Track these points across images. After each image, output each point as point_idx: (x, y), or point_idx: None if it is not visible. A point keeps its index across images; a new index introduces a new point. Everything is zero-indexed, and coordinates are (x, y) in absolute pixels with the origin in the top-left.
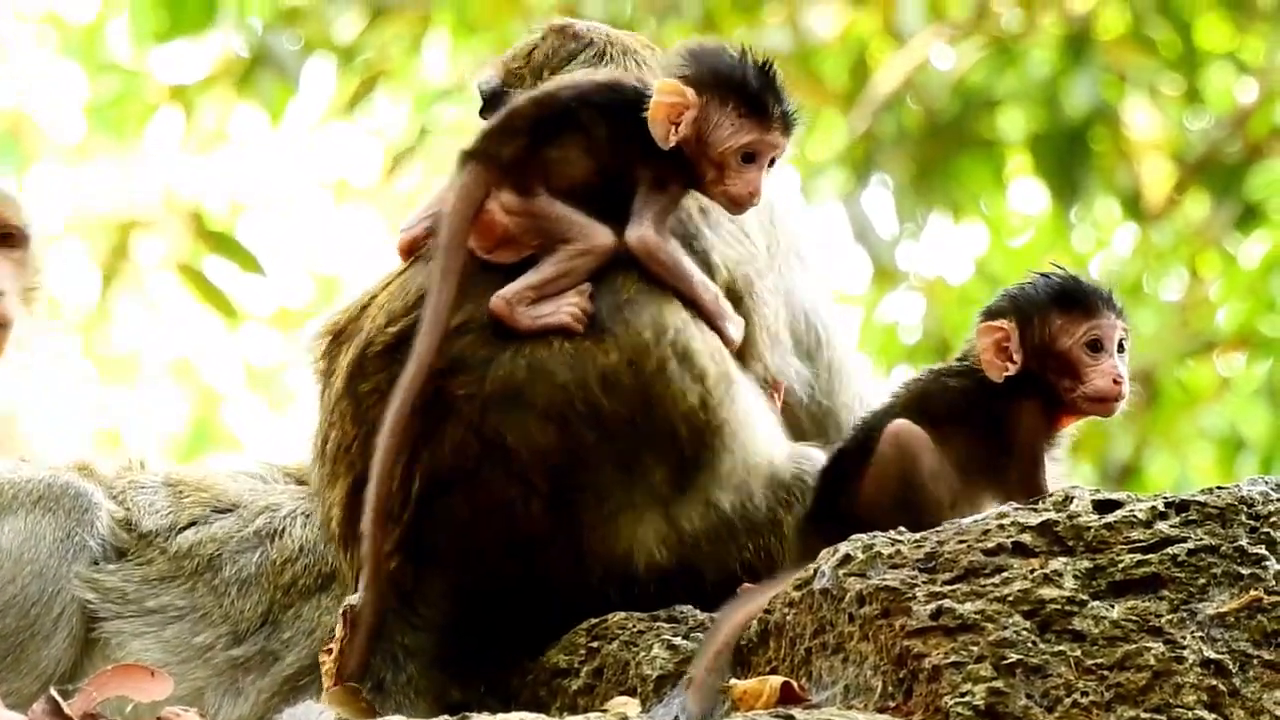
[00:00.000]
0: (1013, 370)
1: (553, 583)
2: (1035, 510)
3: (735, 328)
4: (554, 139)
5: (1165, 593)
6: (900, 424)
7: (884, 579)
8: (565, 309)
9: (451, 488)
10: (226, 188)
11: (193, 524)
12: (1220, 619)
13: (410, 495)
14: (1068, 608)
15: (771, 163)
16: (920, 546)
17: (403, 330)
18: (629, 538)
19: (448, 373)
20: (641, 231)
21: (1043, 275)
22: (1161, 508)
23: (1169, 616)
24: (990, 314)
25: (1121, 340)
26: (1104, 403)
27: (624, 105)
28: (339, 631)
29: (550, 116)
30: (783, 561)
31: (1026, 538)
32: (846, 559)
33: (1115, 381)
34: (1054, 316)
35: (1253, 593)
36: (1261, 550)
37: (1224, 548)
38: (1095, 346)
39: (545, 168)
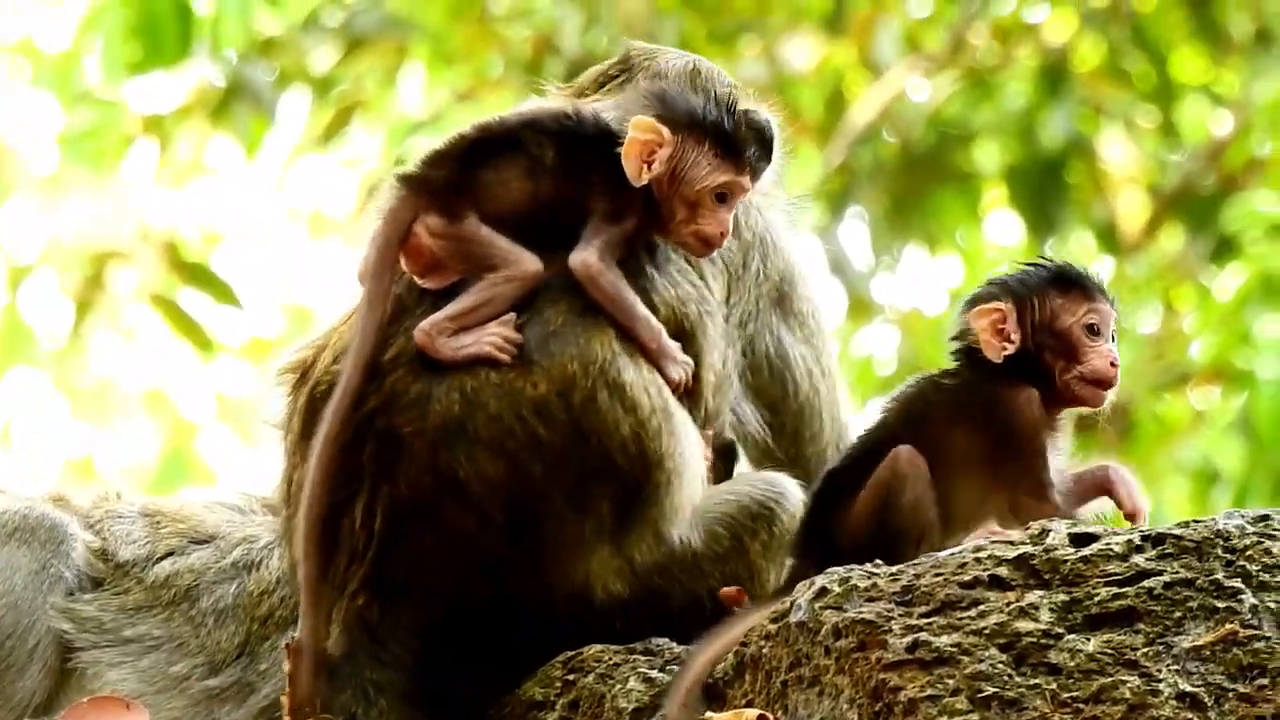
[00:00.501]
0: (1011, 349)
1: (519, 615)
2: (1012, 543)
3: (677, 368)
4: (490, 163)
5: (1141, 626)
6: (903, 450)
7: (860, 612)
8: (487, 339)
9: (412, 523)
10: (201, 219)
11: (170, 554)
12: (1196, 652)
13: (373, 533)
14: (1044, 641)
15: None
16: (897, 579)
17: None
18: (584, 569)
19: (389, 408)
20: (585, 255)
21: (1032, 263)
22: (1138, 541)
23: (1145, 650)
24: (979, 299)
25: (1113, 331)
26: (1099, 386)
27: (580, 135)
28: (285, 667)
29: (491, 140)
30: (754, 587)
31: (1003, 571)
32: (823, 592)
33: (1112, 365)
34: (1053, 296)
35: (1228, 626)
36: (1237, 584)
37: (1200, 581)
38: (1093, 330)
39: (477, 192)
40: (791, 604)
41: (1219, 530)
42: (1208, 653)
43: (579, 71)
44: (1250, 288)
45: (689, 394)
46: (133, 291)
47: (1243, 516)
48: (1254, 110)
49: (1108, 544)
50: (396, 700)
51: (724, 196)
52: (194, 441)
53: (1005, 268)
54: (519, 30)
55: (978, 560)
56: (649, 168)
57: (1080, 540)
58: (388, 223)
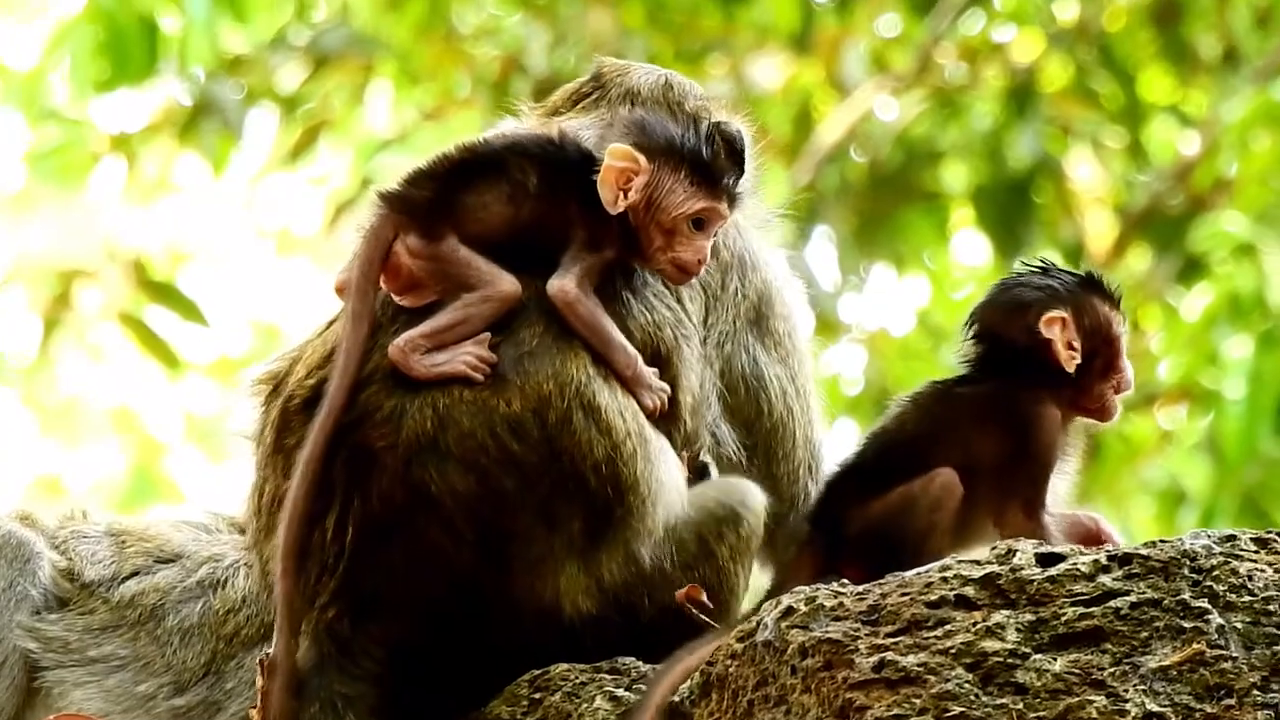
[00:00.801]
0: (1078, 359)
1: (489, 631)
2: (978, 563)
3: (652, 395)
4: (473, 185)
5: (1108, 646)
6: (945, 474)
7: (826, 631)
8: (461, 358)
9: (384, 537)
10: (169, 237)
11: (135, 574)
12: (1163, 672)
13: (344, 546)
14: (1010, 660)
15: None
16: (863, 599)
17: (320, 381)
18: (554, 586)
19: (362, 423)
20: (563, 282)
21: (1059, 270)
22: (1104, 561)
23: (1111, 669)
24: (1037, 304)
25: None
26: (1117, 395)
27: (563, 161)
28: (259, 682)
29: (474, 162)
30: (723, 591)
31: (969, 590)
32: (789, 611)
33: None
34: (1100, 304)
35: (1195, 646)
36: (1204, 604)
37: (1166, 601)
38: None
39: (457, 213)
40: (758, 623)
41: (1186, 550)
42: (1174, 673)
43: (547, 91)
44: (1217, 308)
45: (666, 418)
46: (100, 310)
47: (1209, 537)
48: (1221, 130)
49: (1074, 564)
50: (365, 714)
51: (701, 223)
52: (161, 460)
53: (1024, 270)
54: (486, 49)
55: (944, 580)
56: (625, 195)
57: (1047, 560)
58: (369, 241)
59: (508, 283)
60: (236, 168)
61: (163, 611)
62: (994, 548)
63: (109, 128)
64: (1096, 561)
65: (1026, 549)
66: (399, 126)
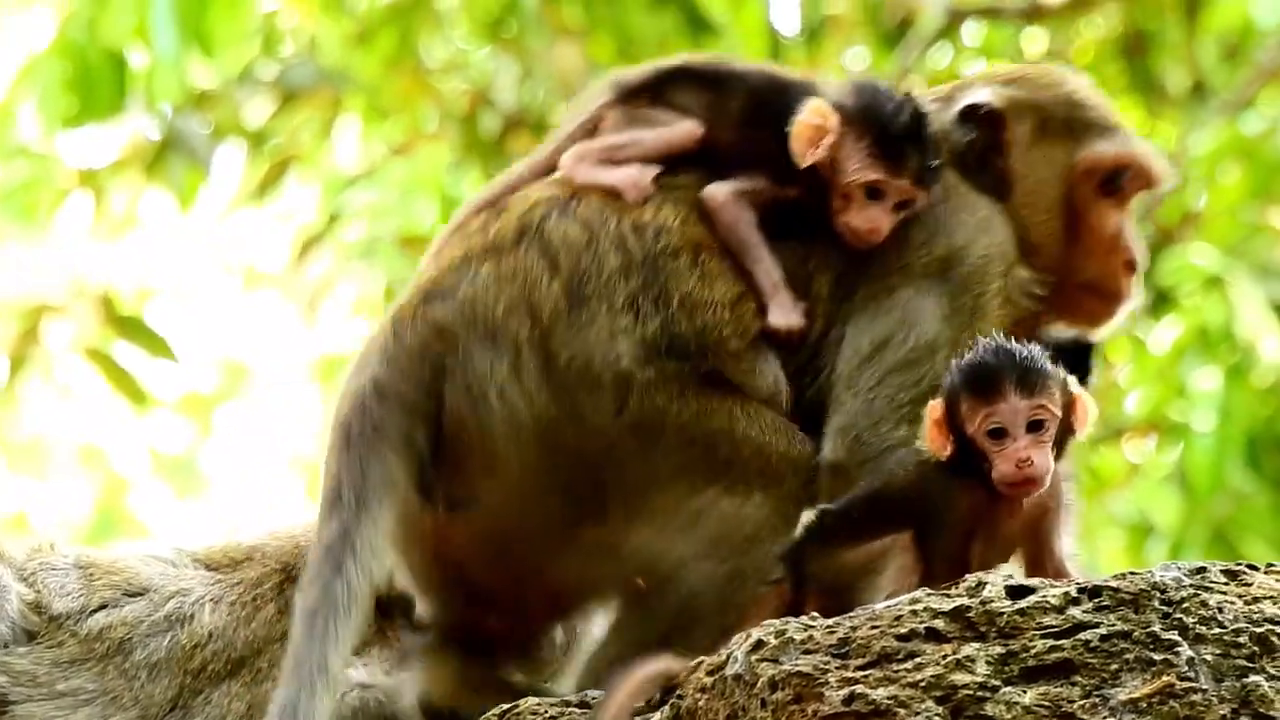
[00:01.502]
0: (948, 451)
1: None
2: (948, 596)
3: (782, 312)
4: (684, 87)
5: (1078, 678)
6: (909, 558)
7: (796, 664)
8: (622, 173)
9: None
10: (136, 272)
11: (103, 607)
12: (1133, 704)
13: None
14: (980, 693)
15: (903, 206)
16: (833, 632)
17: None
18: None
19: None
20: (718, 189)
21: (968, 358)
22: (1074, 593)
23: (1081, 702)
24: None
25: (1036, 420)
26: (1015, 487)
27: (776, 98)
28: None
29: (694, 70)
30: None
31: (939, 623)
32: (759, 644)
33: (1019, 466)
34: (963, 400)
35: (1165, 678)
36: (1174, 636)
37: (1136, 633)
38: (998, 434)
39: (660, 98)
40: (728, 656)
41: (1156, 583)
42: (1144, 705)
43: (515, 125)
44: (1185, 341)
45: (793, 346)
46: (67, 345)
47: (1179, 569)
48: (1190, 163)
49: (1044, 596)
50: None
51: (876, 194)
52: (127, 495)
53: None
54: (454, 83)
55: (914, 612)
56: (814, 151)
57: (1017, 593)
58: (579, 112)
59: (689, 123)
60: (204, 203)
61: (130, 645)
62: (964, 580)
63: (77, 163)
64: (1066, 594)
65: (997, 581)
66: (367, 161)
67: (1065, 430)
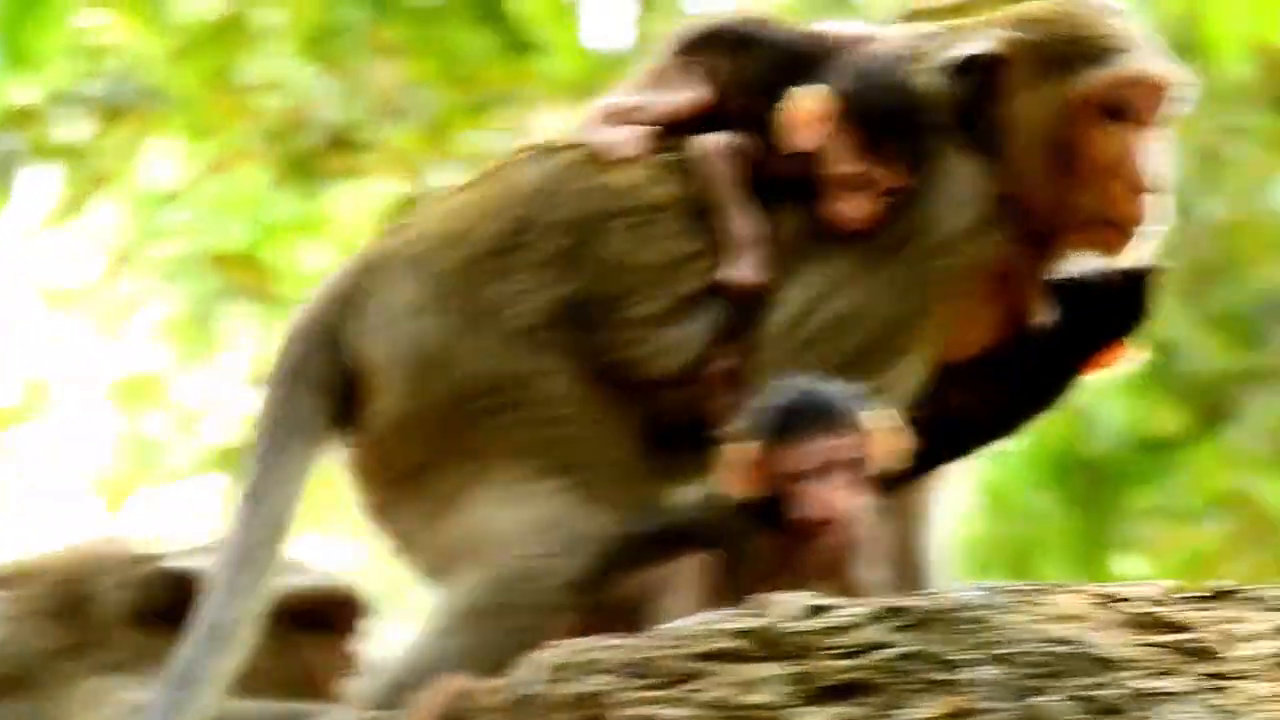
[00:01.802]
0: (750, 494)
1: None
2: (744, 615)
3: (739, 267)
4: (718, 50)
5: (869, 699)
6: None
7: (587, 685)
8: (617, 133)
9: None
10: None
11: None
12: None
13: None
14: (774, 714)
15: (892, 192)
16: (628, 652)
17: None
18: None
19: None
20: (709, 139)
21: (776, 388)
22: (874, 613)
23: None
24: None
25: (833, 460)
26: (815, 528)
27: (785, 65)
28: None
29: (729, 34)
30: None
31: (735, 643)
32: (552, 664)
33: (818, 507)
34: (761, 443)
35: (954, 699)
36: (973, 655)
37: (934, 653)
38: (796, 476)
39: (702, 55)
40: (521, 676)
41: (959, 602)
42: None
43: (337, 143)
44: None
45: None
46: None
47: (977, 589)
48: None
49: (842, 615)
50: None
51: (867, 183)
52: None
53: None
54: (273, 101)
55: (709, 633)
56: (805, 138)
57: (814, 611)
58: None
59: (698, 91)
60: (9, 221)
61: None
62: (760, 599)
63: None
64: (866, 612)
65: (794, 601)
66: (185, 180)
67: (868, 465)
